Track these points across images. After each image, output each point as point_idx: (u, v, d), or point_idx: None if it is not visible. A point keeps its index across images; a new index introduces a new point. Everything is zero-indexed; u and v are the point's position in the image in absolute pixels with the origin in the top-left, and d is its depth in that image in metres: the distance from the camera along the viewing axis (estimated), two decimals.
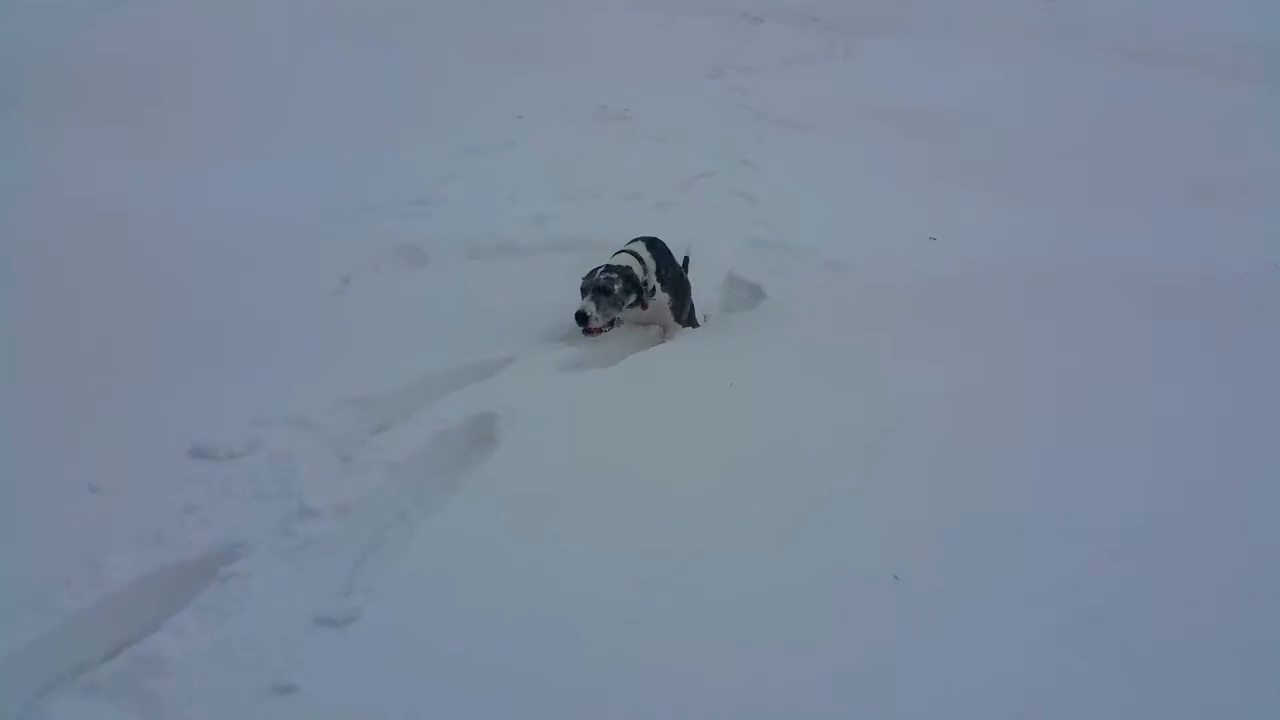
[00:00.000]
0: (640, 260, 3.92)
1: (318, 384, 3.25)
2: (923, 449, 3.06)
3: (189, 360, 3.47)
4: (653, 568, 2.46)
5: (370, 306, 4.14)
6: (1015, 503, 2.79)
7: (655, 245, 4.09)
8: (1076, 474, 2.93)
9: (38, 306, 3.84)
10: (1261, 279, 4.99)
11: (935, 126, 7.83)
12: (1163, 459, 3.03)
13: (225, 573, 2.36)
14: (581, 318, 3.71)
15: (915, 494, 2.82)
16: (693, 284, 4.32)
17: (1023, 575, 2.46)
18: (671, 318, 4.09)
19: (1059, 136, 7.89)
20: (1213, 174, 7.08)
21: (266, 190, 5.38)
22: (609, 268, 3.82)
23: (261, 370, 3.44)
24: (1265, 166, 7.36)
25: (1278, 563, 2.53)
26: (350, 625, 2.25)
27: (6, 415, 3.06)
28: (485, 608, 2.32)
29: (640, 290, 3.86)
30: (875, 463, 2.98)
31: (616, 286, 3.76)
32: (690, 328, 4.22)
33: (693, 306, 4.30)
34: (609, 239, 4.34)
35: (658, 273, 3.97)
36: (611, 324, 3.84)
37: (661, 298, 4.00)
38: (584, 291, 3.78)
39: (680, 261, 4.36)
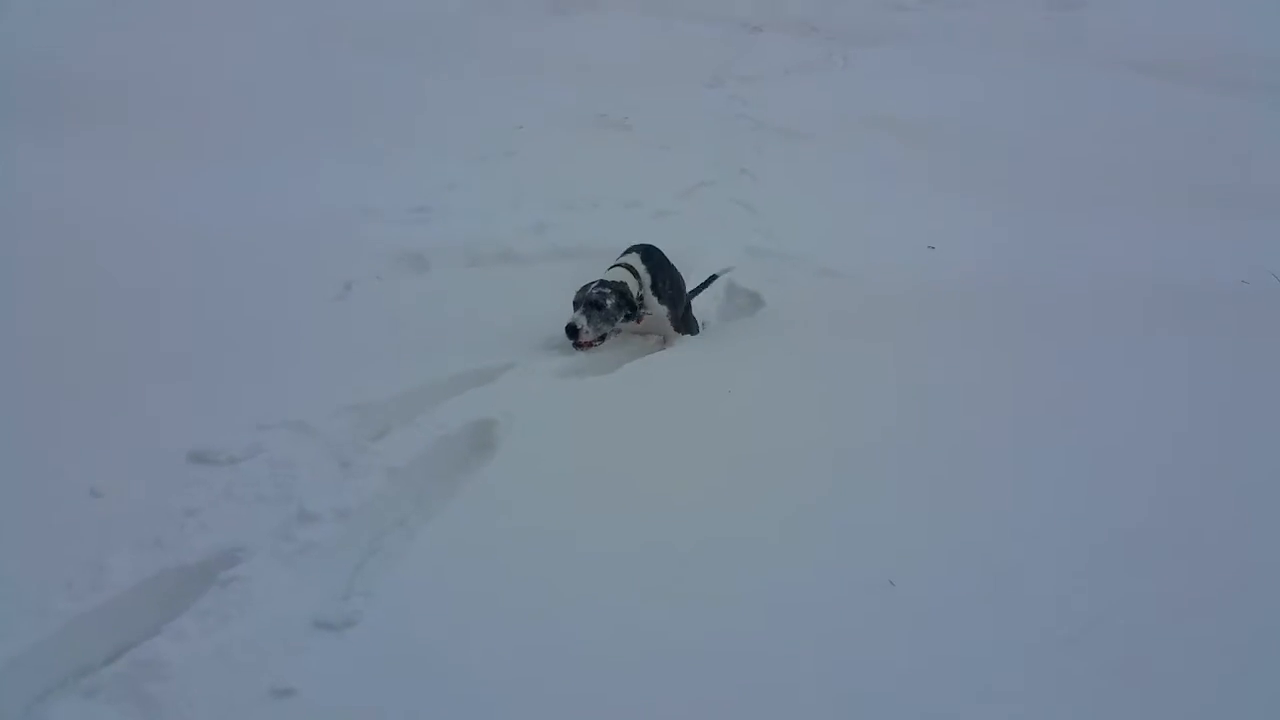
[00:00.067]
0: (635, 275, 3.93)
1: (318, 389, 3.27)
2: (921, 456, 3.07)
3: (190, 365, 3.49)
4: (651, 572, 2.47)
5: (371, 313, 4.16)
6: (1015, 506, 2.80)
7: (651, 256, 4.08)
8: (1076, 479, 2.94)
9: (38, 311, 3.86)
10: (1260, 288, 5.00)
11: (935, 136, 7.85)
12: (1161, 466, 3.04)
13: (225, 577, 2.37)
14: (572, 330, 3.72)
15: (916, 498, 2.82)
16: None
17: (1023, 577, 2.47)
18: (671, 328, 4.11)
19: (1059, 146, 7.91)
20: (1213, 184, 7.10)
21: (268, 197, 5.40)
22: (603, 283, 3.83)
23: (262, 375, 3.46)
24: (1266, 177, 7.38)
25: (1274, 568, 2.54)
26: (350, 629, 2.25)
27: (8, 419, 3.08)
28: (484, 611, 2.33)
29: (634, 307, 3.88)
30: (874, 469, 2.98)
31: (609, 302, 3.77)
32: (689, 334, 4.23)
33: (692, 313, 4.31)
34: (609, 247, 4.36)
35: (654, 286, 3.98)
36: (602, 338, 3.85)
37: (660, 310, 4.01)
38: (576, 305, 3.79)
39: (706, 279, 4.44)
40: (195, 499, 2.66)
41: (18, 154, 5.72)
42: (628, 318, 3.89)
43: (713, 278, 4.56)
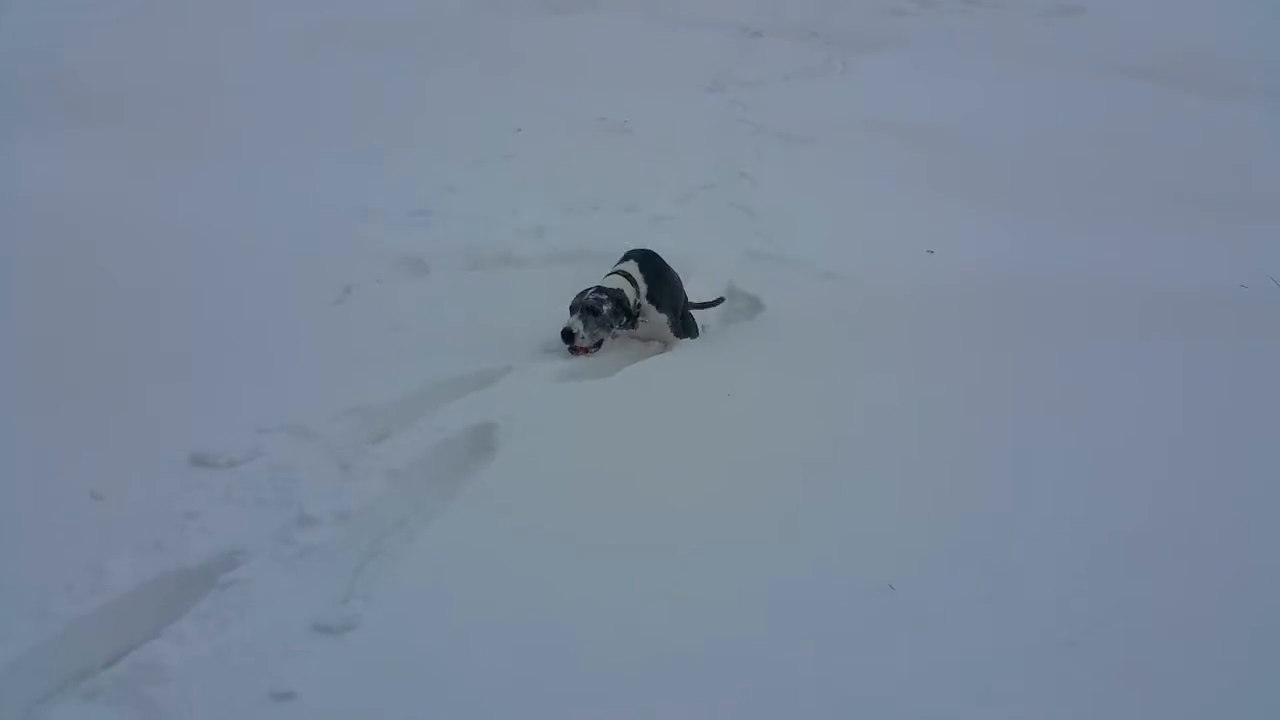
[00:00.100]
0: (633, 282, 3.94)
1: (318, 392, 3.27)
2: (921, 459, 3.07)
3: (190, 366, 3.49)
4: (651, 574, 2.48)
5: (371, 316, 4.16)
6: (1014, 509, 2.80)
7: (648, 262, 4.08)
8: (1075, 482, 2.94)
9: (38, 311, 3.86)
10: (1259, 293, 5.01)
11: (934, 141, 7.85)
12: (1161, 469, 3.04)
13: (225, 580, 2.37)
14: (568, 335, 3.72)
15: (915, 501, 2.83)
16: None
17: (1023, 579, 2.47)
18: (671, 335, 4.11)
19: (1058, 150, 7.90)
20: (1212, 189, 7.10)
21: (268, 197, 5.40)
22: (600, 289, 3.84)
23: (262, 378, 3.46)
24: (1264, 182, 7.39)
25: (1273, 570, 2.54)
26: (349, 632, 2.26)
27: (8, 419, 3.08)
28: (484, 614, 2.33)
29: (630, 314, 3.88)
30: (873, 472, 2.99)
31: (605, 308, 3.77)
32: (690, 338, 4.23)
33: (692, 316, 4.31)
34: (608, 251, 4.37)
35: (650, 293, 3.98)
36: (599, 344, 3.85)
37: (659, 318, 4.01)
38: (573, 310, 3.79)
39: (714, 300, 4.46)
40: (195, 502, 2.67)
41: (17, 154, 5.72)
42: (624, 324, 3.89)
43: (719, 300, 4.55)
